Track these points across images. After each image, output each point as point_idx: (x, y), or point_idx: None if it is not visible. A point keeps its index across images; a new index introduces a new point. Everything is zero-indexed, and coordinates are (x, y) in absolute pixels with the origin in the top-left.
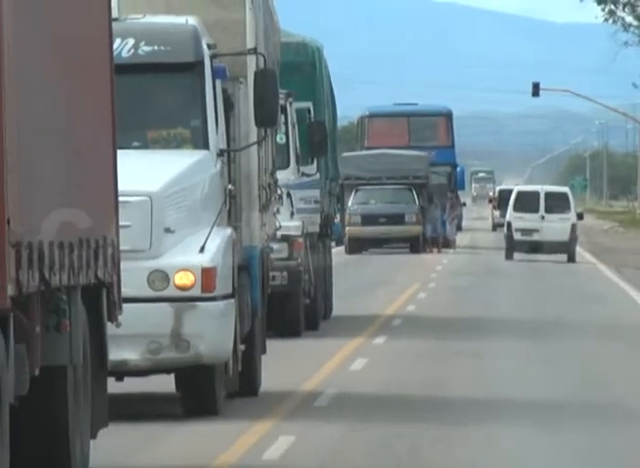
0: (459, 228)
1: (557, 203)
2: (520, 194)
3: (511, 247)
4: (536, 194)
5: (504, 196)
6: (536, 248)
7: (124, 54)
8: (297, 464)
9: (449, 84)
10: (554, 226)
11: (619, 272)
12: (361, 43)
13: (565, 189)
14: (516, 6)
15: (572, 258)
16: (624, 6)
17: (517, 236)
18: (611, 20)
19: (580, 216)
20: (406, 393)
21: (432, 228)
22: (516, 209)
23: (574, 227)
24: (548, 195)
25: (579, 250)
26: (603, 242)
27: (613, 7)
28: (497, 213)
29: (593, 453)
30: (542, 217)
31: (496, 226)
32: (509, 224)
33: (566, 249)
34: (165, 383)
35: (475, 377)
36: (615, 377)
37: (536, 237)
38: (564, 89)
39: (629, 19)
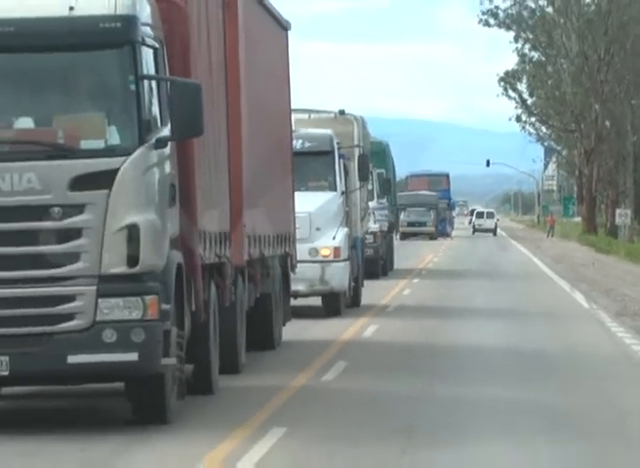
0: (452, 228)
1: (489, 214)
2: (477, 212)
3: (474, 230)
4: (482, 211)
5: (473, 212)
6: (482, 231)
7: (297, 146)
8: (381, 338)
9: (446, 162)
10: (488, 223)
11: (521, 243)
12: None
13: (493, 210)
14: (473, 121)
15: (495, 234)
16: (528, 124)
17: (476, 226)
18: (523, 130)
19: (498, 220)
20: (429, 304)
21: (440, 228)
22: (476, 217)
23: (496, 224)
24: (487, 212)
25: (507, 236)
26: (517, 233)
27: (523, 124)
28: (471, 218)
29: (516, 331)
30: (484, 220)
31: (472, 225)
32: (473, 223)
33: (493, 231)
34: (315, 302)
35: (462, 296)
36: (522, 298)
37: (482, 227)
38: (501, 162)
39: (531, 130)
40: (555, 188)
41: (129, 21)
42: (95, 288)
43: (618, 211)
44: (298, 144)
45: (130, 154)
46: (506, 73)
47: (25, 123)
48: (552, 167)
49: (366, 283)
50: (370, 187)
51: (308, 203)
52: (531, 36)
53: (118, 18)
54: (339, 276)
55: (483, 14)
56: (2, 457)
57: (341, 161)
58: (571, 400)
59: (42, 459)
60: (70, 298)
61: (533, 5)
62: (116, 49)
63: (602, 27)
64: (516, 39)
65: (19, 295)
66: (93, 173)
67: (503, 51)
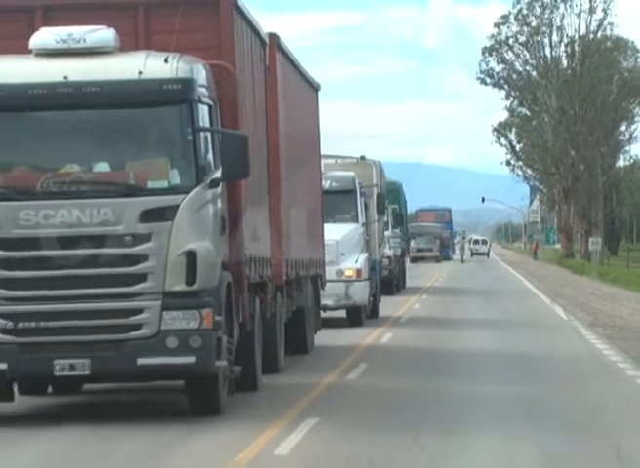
0: (453, 252)
1: (483, 241)
2: (474, 239)
3: (472, 254)
4: (478, 239)
5: (471, 239)
6: (478, 254)
7: (326, 186)
8: (395, 344)
9: (449, 198)
10: (483, 248)
11: (511, 266)
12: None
13: (486, 238)
14: (471, 165)
15: (488, 256)
16: (516, 167)
17: (473, 251)
18: (512, 172)
19: (490, 245)
20: (436, 316)
21: (444, 253)
22: (473, 243)
23: (488, 248)
24: (482, 239)
25: (499, 260)
26: (508, 258)
27: (512, 167)
28: (469, 245)
29: (508, 337)
30: (480, 245)
31: (470, 249)
32: (471, 248)
33: (486, 254)
34: (341, 314)
35: (463, 309)
36: (512, 311)
37: (478, 251)
38: (494, 199)
39: (519, 172)
40: (539, 220)
41: (187, 84)
42: (160, 302)
43: (590, 239)
44: (326, 184)
45: (188, 192)
46: (499, 125)
47: (103, 167)
48: (536, 203)
49: (382, 298)
50: (386, 220)
51: (335, 233)
52: (518, 94)
53: (179, 80)
54: (360, 293)
55: (481, 72)
56: (88, 441)
57: (362, 198)
58: (553, 394)
59: (119, 443)
60: (139, 311)
61: (520, 69)
62: (177, 106)
63: (576, 88)
64: (507, 97)
65: (97, 309)
66: (158, 207)
67: (496, 107)
